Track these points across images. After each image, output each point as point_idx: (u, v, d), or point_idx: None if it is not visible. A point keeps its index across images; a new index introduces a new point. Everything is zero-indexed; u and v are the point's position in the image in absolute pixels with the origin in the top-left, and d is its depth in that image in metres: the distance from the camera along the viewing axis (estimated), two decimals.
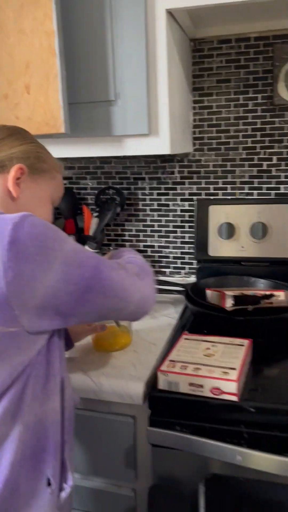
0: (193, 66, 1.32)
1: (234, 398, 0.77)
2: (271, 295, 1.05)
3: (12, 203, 0.71)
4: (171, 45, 1.06)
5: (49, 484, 0.67)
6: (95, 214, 1.42)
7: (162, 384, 0.82)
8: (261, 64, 1.27)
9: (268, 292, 1.06)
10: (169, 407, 0.82)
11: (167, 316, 1.18)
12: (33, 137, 0.79)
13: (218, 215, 1.30)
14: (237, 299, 1.03)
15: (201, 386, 0.79)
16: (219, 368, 0.81)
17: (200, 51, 1.30)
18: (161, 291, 1.28)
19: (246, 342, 0.91)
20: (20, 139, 0.74)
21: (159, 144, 1.07)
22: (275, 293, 1.07)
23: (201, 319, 1.10)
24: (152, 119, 1.06)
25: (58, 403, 0.69)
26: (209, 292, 1.17)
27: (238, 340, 0.92)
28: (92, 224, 1.42)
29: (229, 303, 1.03)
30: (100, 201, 1.43)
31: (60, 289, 0.60)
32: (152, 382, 0.85)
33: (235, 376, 0.78)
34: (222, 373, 0.79)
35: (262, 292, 1.05)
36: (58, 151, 1.13)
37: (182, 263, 1.47)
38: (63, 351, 0.74)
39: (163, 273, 1.50)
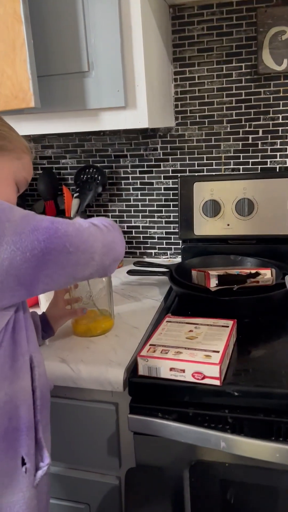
0: (173, 34, 1.25)
1: (216, 382, 0.73)
2: (257, 274, 1.01)
3: None
4: (147, 10, 1.00)
5: (24, 463, 0.65)
6: (75, 194, 1.36)
7: (142, 370, 0.78)
8: (244, 30, 1.20)
9: (253, 271, 1.02)
10: (150, 393, 0.78)
11: (151, 299, 1.13)
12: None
13: (202, 192, 1.25)
14: (222, 279, 0.99)
15: (183, 370, 0.75)
16: (201, 351, 0.77)
17: (180, 18, 1.23)
18: (145, 273, 1.24)
19: (230, 323, 0.88)
20: None
21: (137, 117, 1.01)
22: (261, 271, 1.02)
23: (185, 300, 1.06)
24: (129, 91, 0.99)
25: (28, 382, 0.67)
26: (194, 273, 1.13)
27: (222, 321, 0.89)
28: (72, 205, 1.36)
29: (213, 283, 0.99)
30: (80, 181, 1.37)
31: (17, 259, 0.58)
32: (133, 368, 0.82)
33: (218, 359, 0.74)
34: (204, 356, 0.75)
35: (248, 271, 1.01)
36: (30, 127, 1.07)
37: (167, 243, 1.43)
38: (32, 330, 0.71)
39: (149, 255, 1.45)
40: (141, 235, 1.44)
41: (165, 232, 1.42)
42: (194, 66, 1.26)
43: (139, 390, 0.79)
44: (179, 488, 0.81)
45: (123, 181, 1.41)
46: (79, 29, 0.97)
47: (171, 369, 0.75)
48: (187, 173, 1.34)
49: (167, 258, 1.44)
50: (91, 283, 0.94)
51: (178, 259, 1.40)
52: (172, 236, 1.41)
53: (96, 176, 1.37)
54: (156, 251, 1.44)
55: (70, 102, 1.02)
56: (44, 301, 1.05)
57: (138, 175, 1.39)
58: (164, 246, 1.43)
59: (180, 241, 1.37)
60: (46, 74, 1.01)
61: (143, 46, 0.97)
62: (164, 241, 1.43)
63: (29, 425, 0.66)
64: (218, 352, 0.76)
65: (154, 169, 1.37)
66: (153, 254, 1.45)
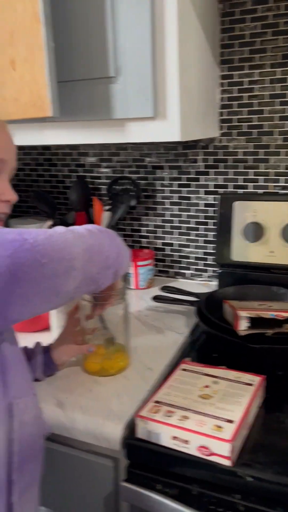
0: (222, 34, 1.10)
1: (226, 462, 0.60)
2: None
3: None
4: (186, 8, 0.87)
5: None
6: (107, 207, 1.27)
7: (140, 433, 0.66)
8: None
9: None
10: (149, 460, 0.66)
11: (175, 332, 1.01)
12: None
13: (244, 213, 1.10)
14: (254, 322, 0.84)
15: (186, 441, 0.62)
16: (213, 418, 0.64)
17: (231, 15, 1.09)
18: (171, 301, 1.11)
19: (257, 380, 0.73)
20: None
21: (168, 129, 0.88)
22: None
23: (212, 340, 0.93)
24: (159, 100, 0.87)
25: (1, 434, 0.57)
26: (226, 306, 0.99)
27: (247, 377, 0.74)
28: (103, 218, 1.26)
29: (243, 326, 0.85)
30: (112, 193, 1.27)
31: None
32: (133, 426, 0.70)
33: (230, 434, 0.60)
34: (215, 427, 0.62)
35: (286, 314, 0.86)
36: (53, 137, 0.99)
37: (204, 264, 1.29)
38: (17, 369, 0.62)
39: (183, 275, 1.32)
40: (176, 254, 1.32)
41: (203, 252, 1.28)
42: (244, 69, 1.11)
43: (136, 454, 0.67)
44: None
45: (159, 194, 1.29)
46: (107, 29, 0.86)
47: (173, 437, 0.63)
48: (230, 189, 1.19)
49: (204, 280, 1.30)
50: (107, 316, 0.84)
51: (215, 283, 1.26)
52: (209, 257, 1.28)
53: (129, 188, 1.26)
54: (192, 272, 1.31)
55: (94, 111, 0.92)
56: (56, 326, 0.96)
57: (175, 188, 1.26)
58: (201, 267, 1.30)
59: (219, 265, 1.23)
60: (70, 79, 0.91)
61: (177, 49, 0.84)
62: (201, 262, 1.29)
63: (1, 488, 0.57)
64: (232, 422, 0.63)
65: (193, 182, 1.24)
66: (187, 275, 1.32)
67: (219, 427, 0.62)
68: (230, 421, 0.63)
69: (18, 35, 0.85)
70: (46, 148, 1.41)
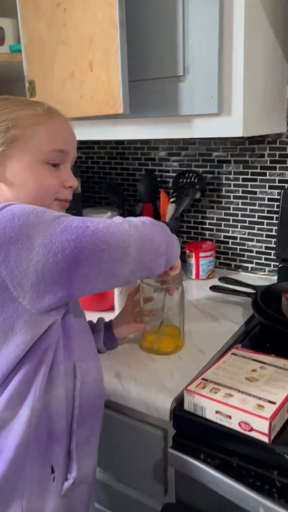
0: None
1: (265, 439, 0.64)
2: None
3: (4, 187, 0.68)
4: (255, 7, 0.90)
5: (53, 471, 0.66)
6: (172, 199, 1.33)
7: (187, 405, 0.72)
8: None
9: None
10: (194, 431, 0.72)
11: (231, 321, 1.05)
12: (4, 102, 0.70)
13: None
14: None
15: (229, 416, 0.67)
16: (256, 398, 0.68)
17: None
18: (228, 291, 1.15)
19: None
20: None
21: (231, 125, 0.92)
22: None
23: (265, 330, 0.96)
24: (225, 97, 0.92)
25: (62, 391, 0.67)
26: (284, 299, 1.01)
27: None
28: (168, 209, 1.33)
29: None
30: (178, 186, 1.33)
31: (49, 261, 0.58)
32: (182, 399, 0.76)
33: (270, 413, 0.64)
34: (257, 406, 0.66)
35: None
36: (125, 132, 1.07)
37: (266, 259, 1.31)
38: (81, 337, 0.71)
39: (245, 269, 1.35)
40: (238, 247, 1.35)
41: (265, 246, 1.30)
42: None
43: (183, 425, 0.74)
44: None
45: (224, 188, 1.32)
46: (177, 30, 0.92)
47: (217, 412, 0.68)
48: None
49: (265, 275, 1.32)
50: (165, 299, 0.90)
51: (276, 278, 1.27)
52: (272, 251, 1.29)
53: (195, 181, 1.31)
54: (253, 265, 1.34)
55: (162, 108, 0.98)
56: (119, 306, 1.05)
57: (240, 182, 1.29)
58: (263, 261, 1.32)
59: (279, 259, 1.24)
60: (142, 78, 0.98)
61: (243, 48, 0.88)
62: (263, 256, 1.31)
63: (61, 435, 0.66)
64: (274, 403, 0.67)
65: (259, 177, 1.26)
66: (249, 269, 1.34)
67: (261, 406, 0.66)
68: (273, 402, 0.67)
69: (97, 39, 0.93)
70: (119, 142, 1.50)
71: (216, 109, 0.91)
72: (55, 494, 0.66)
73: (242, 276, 1.32)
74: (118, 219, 0.67)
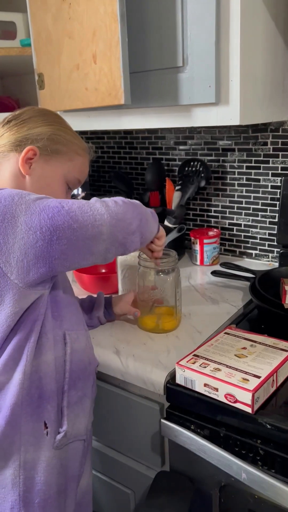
0: None
1: (248, 410, 0.68)
2: None
3: (23, 179, 0.77)
4: None
5: (46, 427, 0.73)
6: (178, 187, 1.36)
7: (179, 379, 0.77)
8: None
9: None
10: (185, 403, 0.77)
11: (230, 304, 1.09)
12: (59, 119, 0.83)
13: None
14: None
15: (216, 389, 0.71)
16: (242, 373, 0.72)
17: None
18: (228, 275, 1.18)
19: None
20: (40, 121, 0.79)
21: (228, 114, 0.95)
22: None
23: (261, 312, 1.00)
24: (223, 86, 0.94)
25: (51, 357, 0.73)
26: (281, 284, 1.04)
27: (283, 343, 0.81)
28: (174, 197, 1.37)
29: None
30: (183, 174, 1.37)
31: (30, 238, 0.64)
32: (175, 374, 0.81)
33: (253, 386, 0.68)
34: (242, 379, 0.70)
35: None
36: (128, 122, 1.11)
37: (269, 245, 1.34)
38: (69, 308, 0.78)
39: (249, 255, 1.38)
40: (243, 234, 1.38)
41: (268, 233, 1.33)
42: None
43: (175, 398, 0.78)
44: (207, 505, 0.79)
45: (228, 176, 1.35)
46: (176, 22, 0.95)
47: (205, 384, 0.73)
48: None
49: (268, 261, 1.35)
50: (159, 280, 0.95)
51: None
52: (275, 238, 1.31)
53: (200, 169, 1.34)
54: (257, 252, 1.36)
55: (163, 98, 1.01)
56: (122, 290, 1.10)
57: (244, 170, 1.32)
58: (266, 248, 1.34)
59: (281, 246, 1.26)
60: (143, 69, 1.02)
61: (240, 38, 0.90)
62: (267, 243, 1.34)
63: (52, 395, 0.73)
64: (258, 377, 0.71)
65: (262, 165, 1.28)
66: (253, 255, 1.37)
67: (246, 379, 0.70)
68: (257, 377, 0.71)
69: (100, 32, 0.97)
70: (128, 132, 1.54)
71: (214, 98, 0.94)
72: (48, 446, 0.73)
73: (246, 262, 1.35)
74: (93, 200, 0.73)
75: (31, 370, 0.70)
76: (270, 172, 1.27)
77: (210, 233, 1.36)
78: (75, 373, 0.75)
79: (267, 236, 1.33)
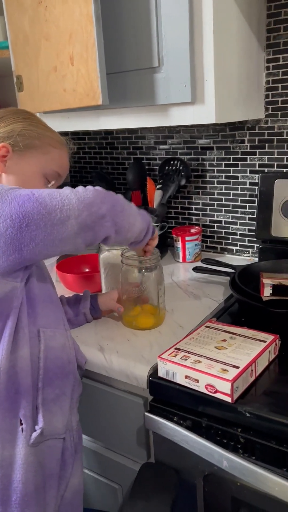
0: (268, 19, 1.15)
1: (228, 399, 0.70)
2: None
3: (4, 176, 0.80)
4: None
5: (21, 423, 0.74)
6: (158, 186, 1.38)
7: (161, 372, 0.78)
8: None
9: None
10: (167, 396, 0.79)
11: (211, 299, 1.11)
12: (30, 116, 0.84)
13: (284, 191, 1.16)
14: (276, 289, 0.92)
15: (197, 380, 0.73)
16: (221, 364, 0.74)
17: (276, 0, 1.13)
18: (209, 271, 1.21)
19: (270, 338, 0.82)
20: (10, 119, 0.80)
21: (204, 112, 0.98)
22: None
23: (242, 306, 1.02)
24: (198, 85, 0.97)
25: (27, 352, 0.74)
26: (261, 278, 1.07)
27: (262, 335, 0.83)
28: (155, 196, 1.39)
29: (267, 292, 0.93)
30: (164, 173, 1.39)
31: (1, 226, 0.66)
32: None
33: (232, 376, 0.70)
34: (221, 370, 0.72)
35: None
36: (107, 122, 1.12)
37: (250, 241, 1.36)
38: (45, 305, 0.78)
39: (230, 251, 1.41)
40: (223, 231, 1.40)
41: (248, 229, 1.35)
42: None
43: (158, 390, 0.80)
44: (192, 495, 0.81)
45: (208, 174, 1.38)
46: (151, 23, 0.97)
47: (186, 376, 0.75)
48: (274, 168, 1.25)
49: (249, 256, 1.38)
50: (142, 278, 0.96)
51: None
52: (254, 233, 1.34)
53: (180, 168, 1.36)
54: (238, 248, 1.39)
55: (140, 98, 1.03)
56: (105, 288, 1.11)
57: (223, 168, 1.34)
58: (246, 243, 1.37)
59: (260, 241, 1.29)
60: (120, 70, 1.04)
61: (213, 38, 0.92)
62: (247, 239, 1.37)
63: (28, 391, 0.74)
64: (237, 368, 0.73)
65: (240, 162, 1.31)
66: (234, 251, 1.40)
67: (225, 370, 0.72)
68: (236, 367, 0.73)
69: (76, 35, 0.99)
70: (109, 132, 1.55)
71: (190, 97, 0.96)
72: (24, 443, 0.73)
73: (227, 258, 1.38)
74: (64, 188, 0.74)
75: (8, 364, 0.71)
76: (248, 169, 1.30)
77: (192, 230, 1.38)
78: (51, 371, 0.76)
79: (247, 232, 1.36)
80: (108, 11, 0.99)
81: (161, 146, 1.44)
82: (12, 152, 0.79)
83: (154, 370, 0.82)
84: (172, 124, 1.02)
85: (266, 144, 1.25)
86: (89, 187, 0.75)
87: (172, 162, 1.38)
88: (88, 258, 1.29)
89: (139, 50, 1.00)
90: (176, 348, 0.80)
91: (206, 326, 0.88)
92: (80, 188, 0.74)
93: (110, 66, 1.02)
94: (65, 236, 0.70)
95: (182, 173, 1.36)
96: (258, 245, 1.32)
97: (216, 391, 0.71)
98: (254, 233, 1.34)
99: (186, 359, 0.76)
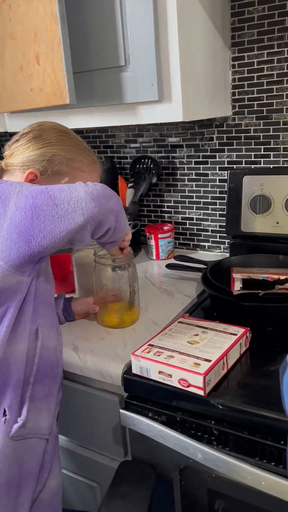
0: (232, 17, 1.17)
1: (200, 392, 0.72)
2: (286, 280, 0.93)
3: None
4: None
5: (4, 414, 0.74)
6: (130, 184, 1.39)
7: (134, 369, 0.79)
8: None
9: (283, 277, 0.95)
10: (142, 392, 0.79)
11: (184, 295, 1.12)
12: (62, 136, 0.85)
13: (252, 187, 1.18)
14: (246, 283, 0.94)
15: (170, 375, 0.74)
16: (193, 358, 0.75)
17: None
18: (182, 268, 1.22)
19: (240, 331, 0.84)
20: (43, 141, 0.83)
21: (171, 110, 0.99)
22: None
23: (214, 301, 1.03)
24: (165, 84, 0.98)
25: (25, 347, 0.76)
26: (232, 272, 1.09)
27: (233, 328, 0.85)
28: (127, 194, 1.39)
29: (237, 287, 0.95)
30: (135, 171, 1.39)
31: (17, 217, 0.70)
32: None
33: (204, 369, 0.72)
34: (193, 364, 0.74)
35: (276, 276, 0.94)
36: (76, 121, 1.12)
37: (221, 237, 1.38)
38: (46, 304, 0.81)
39: (202, 248, 1.43)
40: (195, 227, 1.42)
41: (219, 225, 1.37)
42: (253, 50, 1.17)
43: (132, 387, 0.81)
44: (169, 489, 0.82)
45: (178, 172, 1.39)
46: (116, 21, 0.97)
47: (159, 372, 0.75)
48: (242, 165, 1.27)
49: (220, 252, 1.40)
50: (116, 276, 0.97)
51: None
52: (225, 230, 1.36)
53: (151, 166, 1.37)
54: (210, 244, 1.41)
55: (108, 97, 1.03)
56: (79, 288, 1.11)
57: (193, 165, 1.36)
58: (218, 239, 1.39)
59: (230, 236, 1.31)
60: (87, 69, 1.03)
61: (178, 37, 0.93)
62: (218, 235, 1.39)
63: (17, 383, 0.75)
64: (209, 361, 0.74)
65: (209, 159, 1.33)
66: (206, 247, 1.42)
67: (197, 364, 0.73)
68: (208, 360, 0.74)
69: (41, 33, 0.98)
70: (79, 131, 1.54)
71: (157, 96, 0.97)
72: (4, 435, 0.74)
73: (200, 254, 1.39)
74: (77, 183, 0.75)
75: (1, 356, 0.73)
76: (217, 166, 1.32)
77: (164, 228, 1.39)
78: (42, 369, 0.78)
79: (218, 228, 1.38)
80: (73, 10, 0.99)
81: (132, 145, 1.45)
82: (40, 177, 0.82)
83: (128, 367, 0.83)
84: (140, 122, 1.03)
85: (234, 141, 1.27)
86: (98, 184, 0.77)
87: (143, 160, 1.38)
88: (60, 258, 1.29)
89: (105, 49, 1.00)
90: (149, 345, 0.81)
91: (179, 322, 0.89)
92: (89, 183, 0.76)
93: (77, 65, 1.02)
94: (72, 228, 0.71)
95: (153, 171, 1.37)
96: (229, 240, 1.34)
97: (189, 385, 0.73)
98: (224, 229, 1.36)
99: (159, 355, 0.77)
